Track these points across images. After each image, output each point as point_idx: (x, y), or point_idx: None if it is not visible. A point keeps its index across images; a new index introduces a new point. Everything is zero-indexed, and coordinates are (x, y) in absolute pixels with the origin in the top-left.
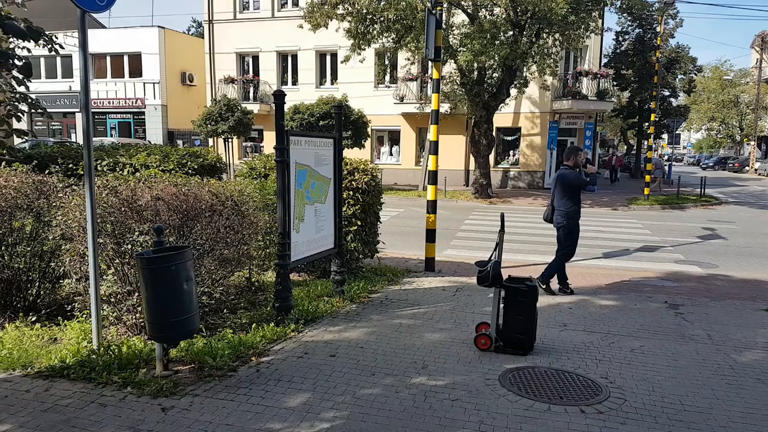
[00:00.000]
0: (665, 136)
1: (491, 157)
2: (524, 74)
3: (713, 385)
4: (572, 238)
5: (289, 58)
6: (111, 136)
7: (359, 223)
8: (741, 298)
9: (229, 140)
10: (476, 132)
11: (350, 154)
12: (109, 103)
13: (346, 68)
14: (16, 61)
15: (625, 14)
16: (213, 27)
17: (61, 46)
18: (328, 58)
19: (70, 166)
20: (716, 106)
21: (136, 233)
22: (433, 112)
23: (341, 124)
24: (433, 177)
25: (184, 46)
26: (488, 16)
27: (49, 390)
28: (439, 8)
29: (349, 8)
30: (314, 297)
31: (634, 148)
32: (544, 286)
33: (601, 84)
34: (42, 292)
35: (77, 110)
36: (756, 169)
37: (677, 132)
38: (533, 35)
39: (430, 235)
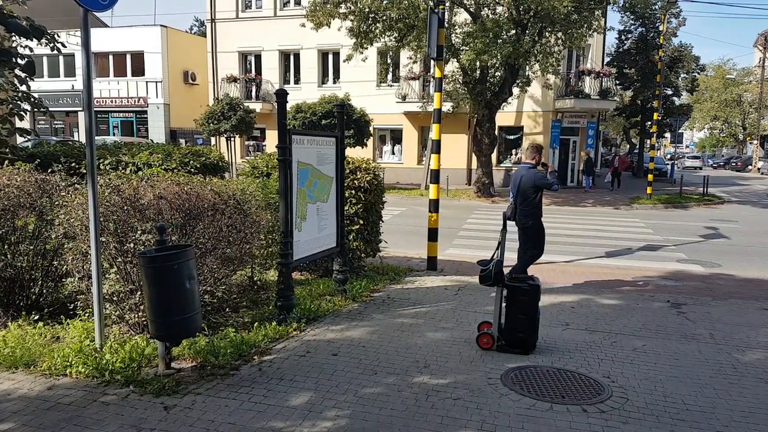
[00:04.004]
0: (668, 135)
1: (493, 156)
2: (527, 73)
3: (715, 384)
4: (541, 237)
5: (292, 57)
6: (113, 134)
7: (361, 221)
8: (744, 298)
9: (232, 139)
10: (478, 131)
11: (352, 152)
12: (111, 101)
13: (348, 67)
14: (19, 60)
15: (627, 13)
16: (215, 26)
17: (64, 45)
18: (331, 57)
19: (73, 164)
20: (719, 105)
21: (139, 232)
22: (436, 110)
23: (343, 122)
24: (435, 176)
25: (187, 45)
26: (491, 15)
27: (51, 388)
28: (441, 7)
29: (352, 7)
30: (316, 296)
31: (637, 147)
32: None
33: (603, 83)
34: (45, 291)
35: (80, 109)
36: (759, 168)
37: (680, 131)
38: (536, 34)
39: (432, 234)
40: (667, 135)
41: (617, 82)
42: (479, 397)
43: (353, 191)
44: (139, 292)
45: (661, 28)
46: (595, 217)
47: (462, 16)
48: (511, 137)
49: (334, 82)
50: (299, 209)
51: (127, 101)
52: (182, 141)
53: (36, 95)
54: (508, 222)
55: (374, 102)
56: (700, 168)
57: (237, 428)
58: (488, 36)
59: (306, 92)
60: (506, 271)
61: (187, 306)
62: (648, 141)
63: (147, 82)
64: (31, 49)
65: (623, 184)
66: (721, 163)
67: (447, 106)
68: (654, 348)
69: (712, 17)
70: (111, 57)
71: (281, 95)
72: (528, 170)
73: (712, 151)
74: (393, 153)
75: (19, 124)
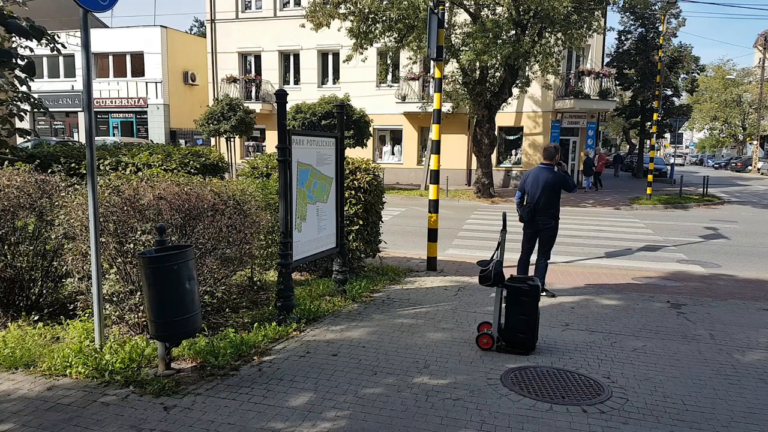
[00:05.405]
0: (668, 135)
1: (493, 157)
2: (526, 73)
3: (715, 384)
4: (555, 239)
5: (291, 58)
6: (113, 135)
7: (361, 222)
8: (744, 298)
9: (232, 140)
10: (478, 131)
11: (352, 153)
12: (111, 102)
13: (348, 68)
14: (19, 60)
15: (627, 13)
16: (215, 26)
17: (64, 46)
18: (330, 57)
19: (73, 165)
20: (719, 106)
21: (139, 232)
22: (435, 111)
23: (343, 123)
24: (434, 176)
25: (187, 46)
26: (490, 16)
27: (51, 389)
28: (441, 7)
29: (351, 8)
30: (316, 296)
31: (637, 147)
32: (544, 293)
33: (603, 83)
34: (44, 291)
35: (80, 110)
36: (759, 169)
37: (680, 131)
38: (535, 34)
39: (432, 235)
40: (667, 135)
41: (617, 82)
42: (479, 398)
43: (353, 192)
44: (138, 293)
45: (660, 28)
46: (594, 218)
47: (462, 17)
48: (511, 138)
49: (334, 83)
50: (299, 210)
51: (127, 102)
52: (182, 141)
53: (36, 96)
54: (511, 223)
55: (374, 102)
56: (682, 165)
57: (237, 428)
58: (488, 36)
59: (306, 93)
60: (512, 273)
61: (186, 306)
62: (648, 141)
63: (147, 82)
64: (31, 50)
65: (622, 184)
66: (722, 164)
67: (447, 107)
68: (654, 348)
69: (712, 17)
70: (111, 57)
71: (281, 96)
72: (551, 171)
73: (711, 152)
74: (393, 153)
75: (19, 124)
